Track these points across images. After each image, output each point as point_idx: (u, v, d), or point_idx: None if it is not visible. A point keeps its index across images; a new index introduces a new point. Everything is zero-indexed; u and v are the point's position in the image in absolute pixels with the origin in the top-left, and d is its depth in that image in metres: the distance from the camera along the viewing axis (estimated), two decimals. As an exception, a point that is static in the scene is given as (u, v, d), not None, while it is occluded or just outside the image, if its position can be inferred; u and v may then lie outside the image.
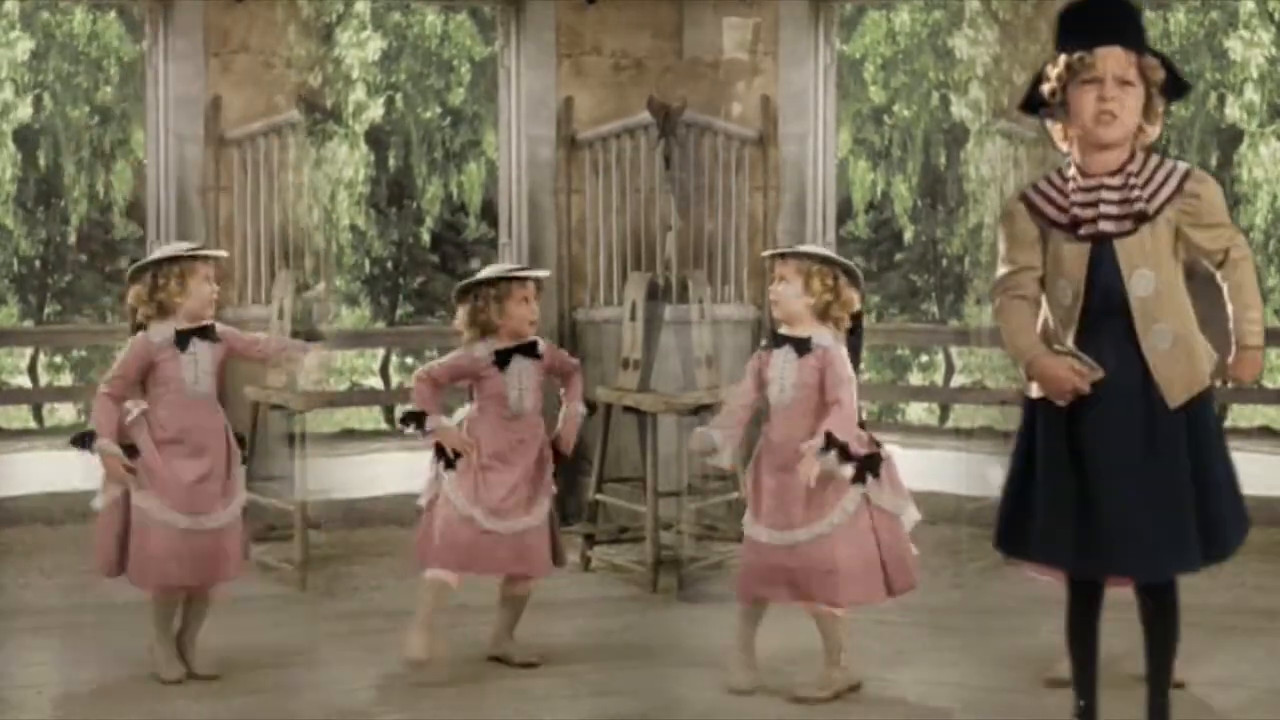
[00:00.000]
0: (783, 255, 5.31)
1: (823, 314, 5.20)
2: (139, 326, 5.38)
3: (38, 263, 10.29)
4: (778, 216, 8.12)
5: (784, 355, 5.21)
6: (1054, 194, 4.25)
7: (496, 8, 8.40)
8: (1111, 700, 4.52)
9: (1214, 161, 12.01)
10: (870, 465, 5.10)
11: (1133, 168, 4.19)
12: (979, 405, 8.52)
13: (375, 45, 12.30)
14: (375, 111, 12.53)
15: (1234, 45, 12.44)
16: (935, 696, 5.19)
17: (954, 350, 11.37)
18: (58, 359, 10.63)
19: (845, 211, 9.03)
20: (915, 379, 12.56)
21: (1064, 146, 4.28)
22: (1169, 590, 4.34)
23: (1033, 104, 4.31)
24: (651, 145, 7.71)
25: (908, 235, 13.01)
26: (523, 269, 5.98)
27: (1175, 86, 4.26)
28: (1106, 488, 4.17)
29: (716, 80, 8.15)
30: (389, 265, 12.71)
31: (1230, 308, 4.26)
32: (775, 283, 5.24)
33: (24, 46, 10.75)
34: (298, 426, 6.96)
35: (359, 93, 12.38)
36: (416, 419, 5.51)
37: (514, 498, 5.47)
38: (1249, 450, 7.87)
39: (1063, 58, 4.19)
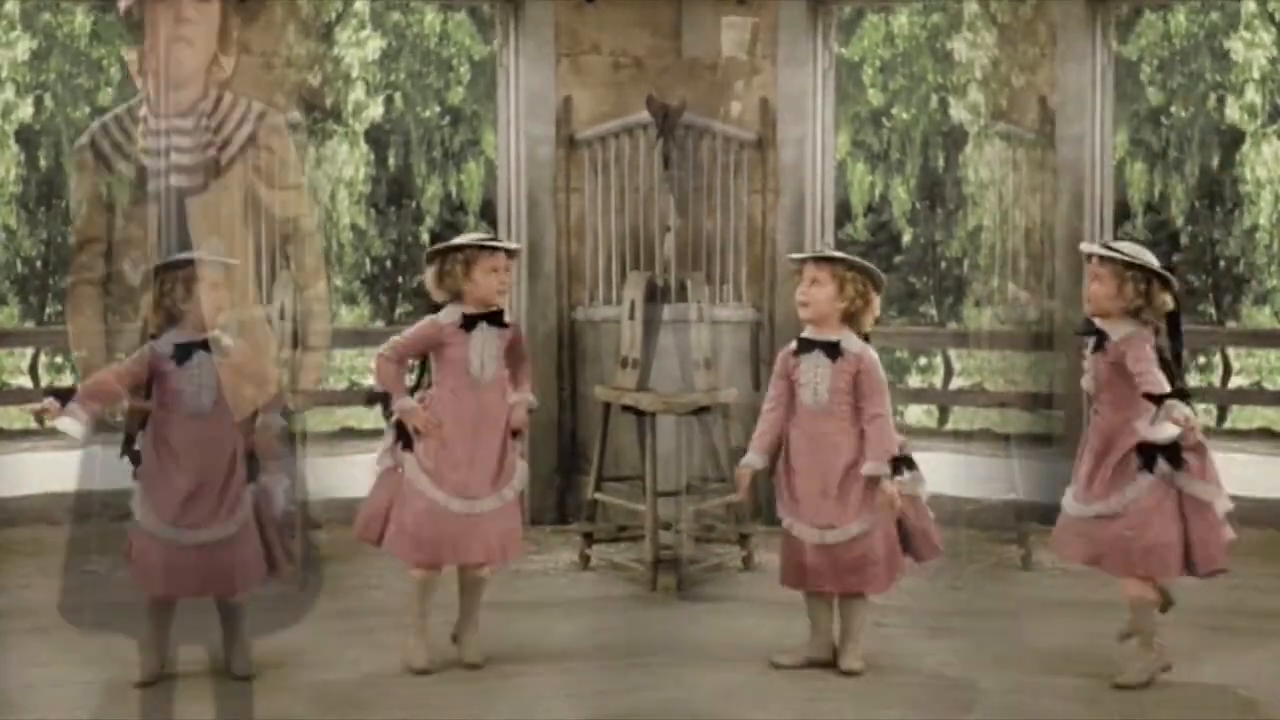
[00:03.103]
0: (816, 259, 5.40)
1: (849, 318, 5.32)
2: (151, 336, 5.37)
3: (39, 263, 10.30)
4: (776, 218, 8.12)
5: (815, 360, 5.33)
6: None
7: (495, 7, 8.40)
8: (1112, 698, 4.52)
9: (1215, 162, 12.03)
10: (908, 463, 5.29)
11: None
12: (978, 408, 8.53)
13: (374, 44, 12.30)
14: (375, 110, 12.53)
15: (1235, 46, 12.46)
16: (935, 697, 5.19)
17: (953, 353, 11.37)
18: (59, 359, 10.63)
19: (843, 214, 9.05)
20: (914, 381, 12.55)
21: None
22: None
23: None
24: (650, 145, 7.71)
25: (906, 238, 12.98)
26: (493, 239, 5.78)
27: None
28: None
29: (715, 80, 8.15)
30: (388, 264, 12.72)
31: None
32: (808, 285, 5.33)
33: (24, 46, 10.76)
34: (298, 426, 6.96)
35: (358, 92, 12.39)
36: (383, 400, 5.45)
37: (477, 475, 5.37)
38: (1248, 452, 7.88)
39: None
